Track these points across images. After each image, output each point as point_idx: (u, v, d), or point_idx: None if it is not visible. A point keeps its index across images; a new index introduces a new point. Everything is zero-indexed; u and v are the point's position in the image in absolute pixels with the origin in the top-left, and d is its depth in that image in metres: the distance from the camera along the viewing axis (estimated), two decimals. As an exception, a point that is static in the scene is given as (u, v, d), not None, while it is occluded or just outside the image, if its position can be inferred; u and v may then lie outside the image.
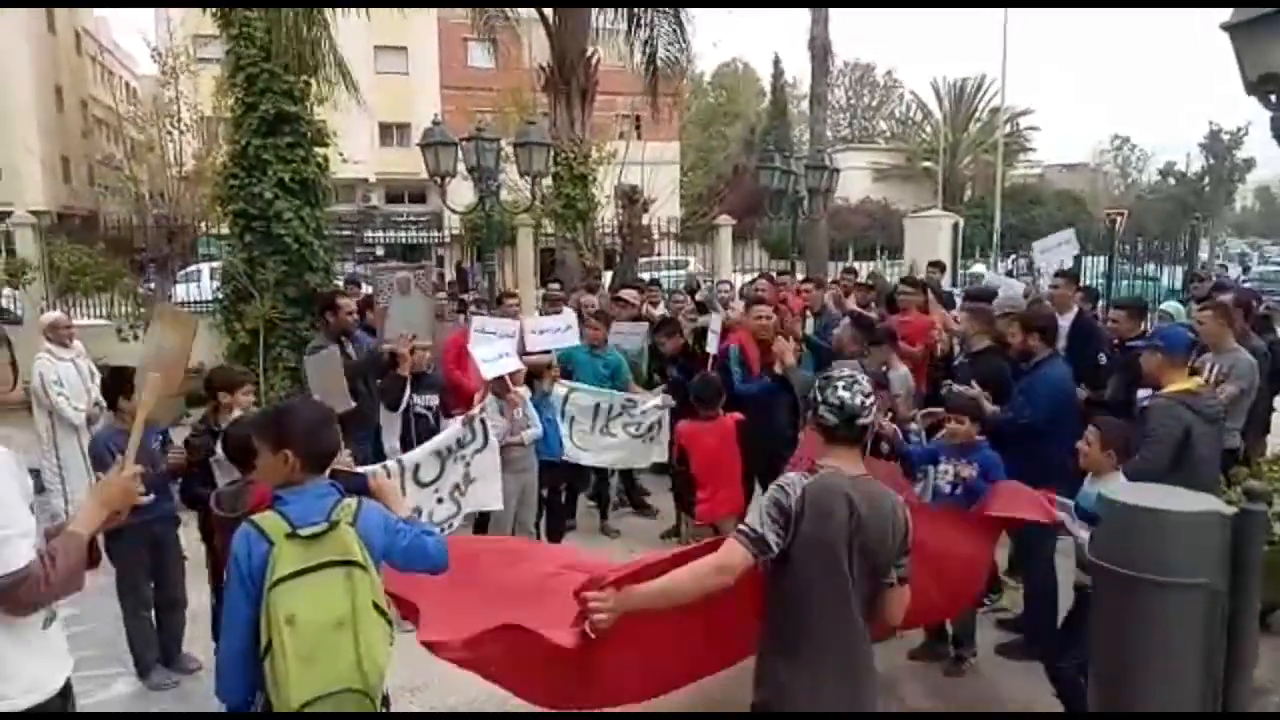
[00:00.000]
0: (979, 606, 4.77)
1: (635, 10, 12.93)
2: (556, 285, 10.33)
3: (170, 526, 4.67)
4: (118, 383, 4.49)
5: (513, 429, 5.51)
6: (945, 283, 11.04)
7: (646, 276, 12.87)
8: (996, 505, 3.94)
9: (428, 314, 5.61)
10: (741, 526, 2.53)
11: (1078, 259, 11.09)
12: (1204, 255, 24.44)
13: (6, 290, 13.38)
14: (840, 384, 2.61)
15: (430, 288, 5.68)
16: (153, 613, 4.70)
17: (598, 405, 6.59)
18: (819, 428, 2.64)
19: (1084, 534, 3.53)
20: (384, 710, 2.73)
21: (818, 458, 2.64)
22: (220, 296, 11.10)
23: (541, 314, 7.74)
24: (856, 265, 15.26)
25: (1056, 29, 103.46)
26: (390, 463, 5.10)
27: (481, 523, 6.06)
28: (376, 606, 2.49)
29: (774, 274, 9.53)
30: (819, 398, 2.63)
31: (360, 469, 3.96)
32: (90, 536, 2.42)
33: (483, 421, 5.34)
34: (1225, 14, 4.61)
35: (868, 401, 2.61)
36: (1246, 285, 20.04)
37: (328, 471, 2.68)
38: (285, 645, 2.35)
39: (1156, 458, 4.05)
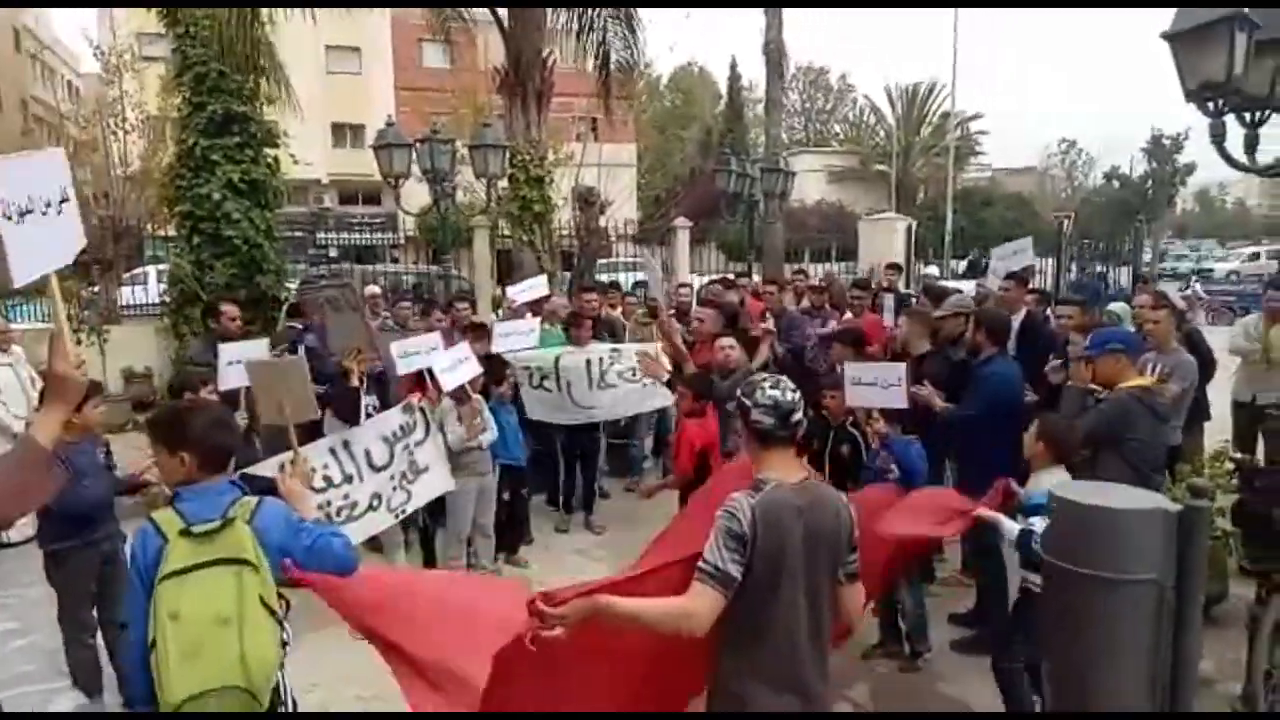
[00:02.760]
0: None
1: (587, 13, 12.91)
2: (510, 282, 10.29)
3: (119, 544, 4.37)
4: None
5: (469, 433, 5.49)
6: (900, 285, 11.17)
7: (605, 278, 12.85)
8: (897, 524, 3.84)
9: (364, 328, 5.58)
10: (703, 565, 2.42)
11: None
12: (1146, 256, 25.15)
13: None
14: (766, 384, 2.57)
15: (357, 302, 5.66)
16: (99, 637, 4.40)
17: (588, 361, 6.93)
18: (754, 434, 2.58)
19: (1014, 530, 3.57)
20: (289, 710, 2.71)
21: (757, 469, 2.58)
22: (167, 300, 10.85)
23: (501, 319, 7.81)
24: (812, 267, 15.43)
25: (1007, 35, 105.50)
26: (336, 446, 5.08)
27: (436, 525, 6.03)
28: (266, 605, 2.46)
29: (731, 276, 9.56)
30: (748, 403, 2.57)
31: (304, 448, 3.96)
32: (50, 443, 2.20)
33: (422, 410, 5.42)
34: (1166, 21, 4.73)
35: (796, 397, 2.57)
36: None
37: (230, 470, 2.70)
38: (167, 640, 2.35)
39: (1090, 426, 4.20)
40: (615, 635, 2.55)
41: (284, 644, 2.55)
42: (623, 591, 2.55)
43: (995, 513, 3.72)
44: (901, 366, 4.74)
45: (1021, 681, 3.87)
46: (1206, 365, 6.40)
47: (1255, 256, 32.46)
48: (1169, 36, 4.62)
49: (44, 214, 2.29)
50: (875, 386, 4.69)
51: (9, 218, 2.17)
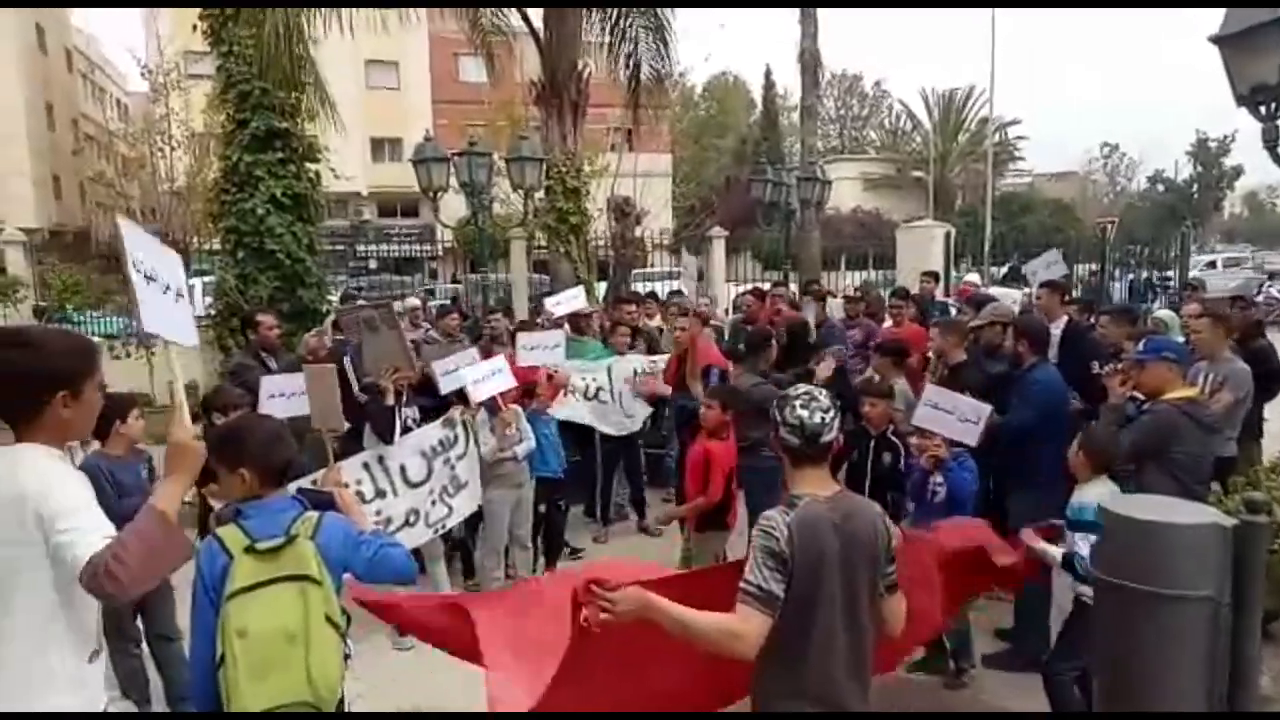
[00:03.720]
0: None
1: (619, 25, 12.99)
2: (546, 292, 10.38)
3: None
4: (111, 409, 4.14)
5: (504, 444, 5.51)
6: (939, 293, 11.06)
7: (641, 288, 12.89)
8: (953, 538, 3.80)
9: (402, 347, 5.58)
10: (745, 586, 2.39)
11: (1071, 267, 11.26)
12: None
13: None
14: (798, 402, 2.53)
15: (395, 321, 5.63)
16: (144, 648, 4.46)
17: (634, 370, 7.16)
18: (784, 450, 2.56)
19: (1056, 554, 3.64)
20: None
21: (790, 485, 2.56)
22: (212, 313, 11.07)
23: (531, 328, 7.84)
24: (848, 275, 15.33)
25: (1045, 38, 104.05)
26: (370, 461, 5.10)
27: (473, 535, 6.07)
28: (331, 621, 2.50)
29: (764, 286, 9.56)
30: (778, 418, 2.55)
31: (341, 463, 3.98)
32: (175, 513, 2.17)
33: (464, 424, 5.41)
34: (1214, 22, 4.63)
35: (828, 418, 2.51)
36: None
37: (290, 483, 2.75)
38: (237, 658, 2.40)
39: (1134, 439, 4.11)
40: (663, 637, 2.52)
41: (346, 657, 2.60)
42: (675, 589, 2.56)
43: (1040, 542, 3.74)
44: (988, 408, 4.53)
45: (1071, 693, 3.81)
46: (1272, 378, 6.19)
47: (1212, 265, 30.09)
48: (1218, 39, 4.53)
49: (164, 292, 2.53)
50: (951, 416, 4.51)
51: (139, 271, 2.40)
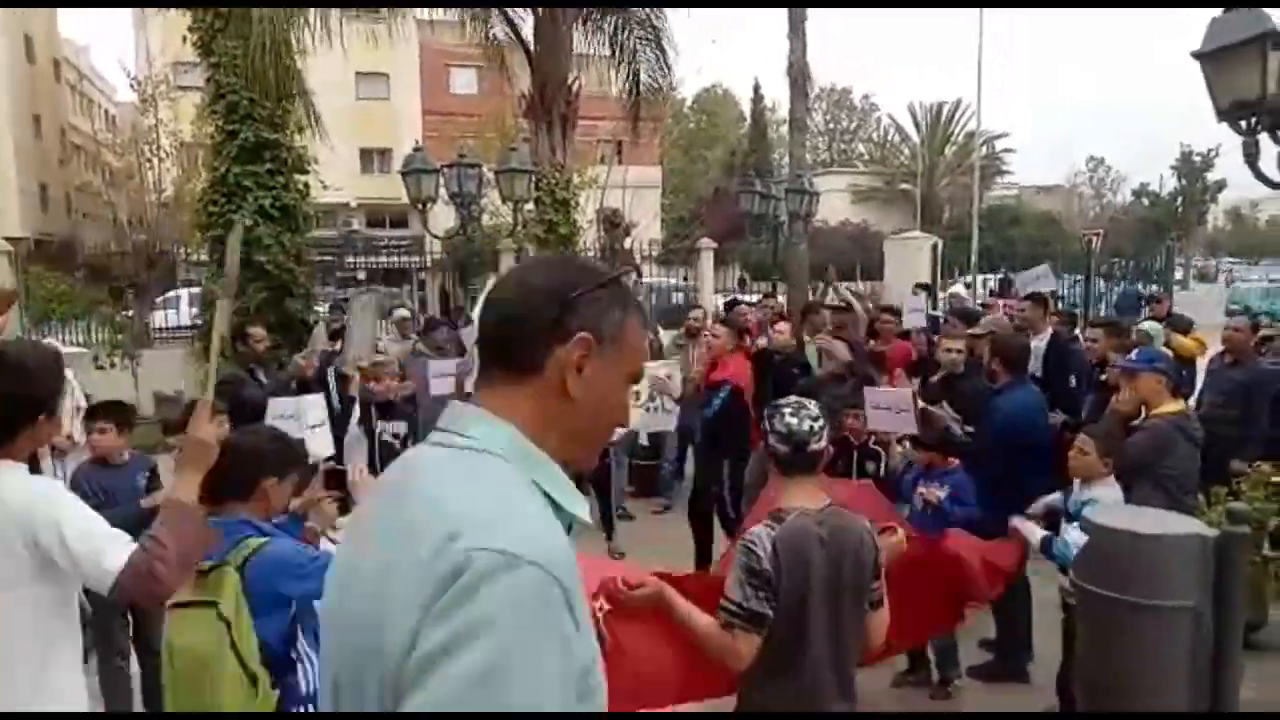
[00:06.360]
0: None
1: (618, 37, 13.07)
2: None
3: None
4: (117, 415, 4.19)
5: None
6: (929, 305, 11.10)
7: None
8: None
9: (372, 337, 5.82)
10: (726, 605, 2.40)
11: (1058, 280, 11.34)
12: (1178, 274, 24.75)
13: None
14: (787, 410, 2.53)
15: (379, 310, 5.79)
16: (132, 660, 4.36)
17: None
18: (773, 460, 2.57)
19: (1037, 535, 3.70)
20: None
21: (780, 498, 2.55)
22: (199, 323, 11.04)
23: None
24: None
25: (1031, 52, 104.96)
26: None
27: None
28: (240, 657, 2.40)
29: (741, 296, 9.59)
30: (767, 427, 2.55)
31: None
32: (192, 502, 2.24)
33: None
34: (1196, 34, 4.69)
35: (816, 426, 2.50)
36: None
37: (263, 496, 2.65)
38: (166, 669, 2.48)
39: (1129, 460, 4.09)
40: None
41: (275, 687, 2.47)
42: (685, 587, 2.64)
43: (1023, 522, 3.82)
44: (908, 392, 4.78)
45: None
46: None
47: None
48: (1200, 55, 4.59)
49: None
50: (889, 412, 4.68)
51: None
